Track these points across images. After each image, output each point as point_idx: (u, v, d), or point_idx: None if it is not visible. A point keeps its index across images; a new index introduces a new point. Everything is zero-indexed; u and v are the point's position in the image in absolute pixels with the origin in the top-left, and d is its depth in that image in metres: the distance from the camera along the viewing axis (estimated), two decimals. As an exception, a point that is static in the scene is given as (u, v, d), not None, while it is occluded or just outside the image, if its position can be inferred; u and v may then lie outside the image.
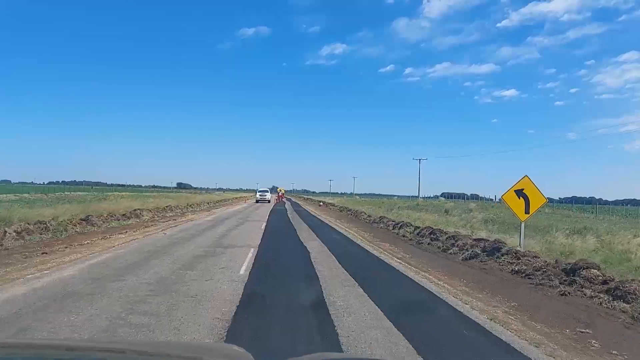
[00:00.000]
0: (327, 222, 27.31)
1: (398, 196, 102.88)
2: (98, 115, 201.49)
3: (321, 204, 59.31)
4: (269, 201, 56.68)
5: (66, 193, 52.29)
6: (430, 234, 16.45)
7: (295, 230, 20.05)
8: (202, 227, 19.92)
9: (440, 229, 16.75)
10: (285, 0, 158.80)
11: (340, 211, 41.89)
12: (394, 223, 22.16)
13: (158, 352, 1.94)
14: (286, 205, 51.37)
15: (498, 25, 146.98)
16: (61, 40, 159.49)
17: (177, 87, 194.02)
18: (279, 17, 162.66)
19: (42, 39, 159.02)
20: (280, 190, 74.36)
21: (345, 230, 21.20)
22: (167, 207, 29.18)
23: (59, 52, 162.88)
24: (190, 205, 35.32)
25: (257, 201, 57.70)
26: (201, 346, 2.87)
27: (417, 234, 17.34)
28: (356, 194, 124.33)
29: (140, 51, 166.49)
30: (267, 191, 60.95)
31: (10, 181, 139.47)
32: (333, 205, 53.97)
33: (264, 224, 22.12)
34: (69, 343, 2.65)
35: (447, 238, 14.80)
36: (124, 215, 20.60)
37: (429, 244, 15.25)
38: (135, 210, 22.88)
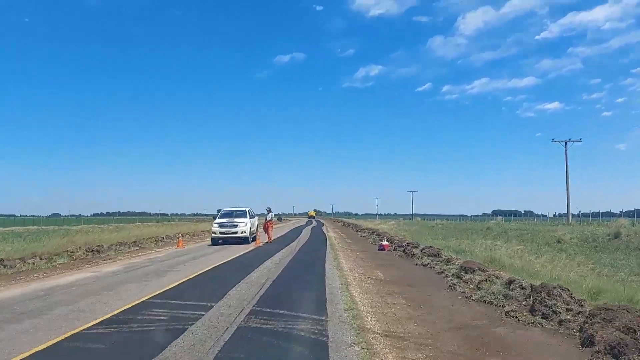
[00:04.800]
0: None
1: (470, 216, 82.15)
2: (121, 146, 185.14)
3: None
4: (244, 239, 23.27)
5: None
6: None
7: None
8: None
9: None
10: (319, 26, 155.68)
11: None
12: None
13: None
14: (269, 261, 14.92)
15: (537, 37, 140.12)
16: (88, 73, 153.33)
17: (219, 118, 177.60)
18: (314, 42, 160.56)
19: (63, 70, 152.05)
20: (310, 213, 54.78)
21: None
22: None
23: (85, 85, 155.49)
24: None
25: (214, 241, 23.72)
26: None
27: None
28: (416, 215, 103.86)
29: (178, 87, 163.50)
30: (241, 215, 24.85)
31: (15, 215, 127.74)
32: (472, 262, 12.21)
33: None
34: None
35: None
36: None
37: None
38: None
